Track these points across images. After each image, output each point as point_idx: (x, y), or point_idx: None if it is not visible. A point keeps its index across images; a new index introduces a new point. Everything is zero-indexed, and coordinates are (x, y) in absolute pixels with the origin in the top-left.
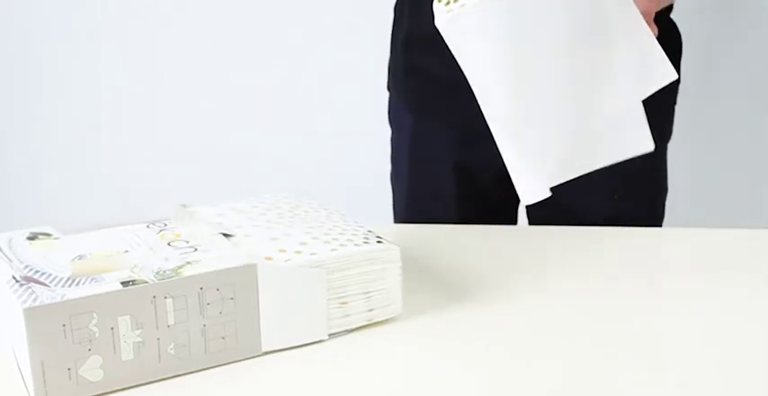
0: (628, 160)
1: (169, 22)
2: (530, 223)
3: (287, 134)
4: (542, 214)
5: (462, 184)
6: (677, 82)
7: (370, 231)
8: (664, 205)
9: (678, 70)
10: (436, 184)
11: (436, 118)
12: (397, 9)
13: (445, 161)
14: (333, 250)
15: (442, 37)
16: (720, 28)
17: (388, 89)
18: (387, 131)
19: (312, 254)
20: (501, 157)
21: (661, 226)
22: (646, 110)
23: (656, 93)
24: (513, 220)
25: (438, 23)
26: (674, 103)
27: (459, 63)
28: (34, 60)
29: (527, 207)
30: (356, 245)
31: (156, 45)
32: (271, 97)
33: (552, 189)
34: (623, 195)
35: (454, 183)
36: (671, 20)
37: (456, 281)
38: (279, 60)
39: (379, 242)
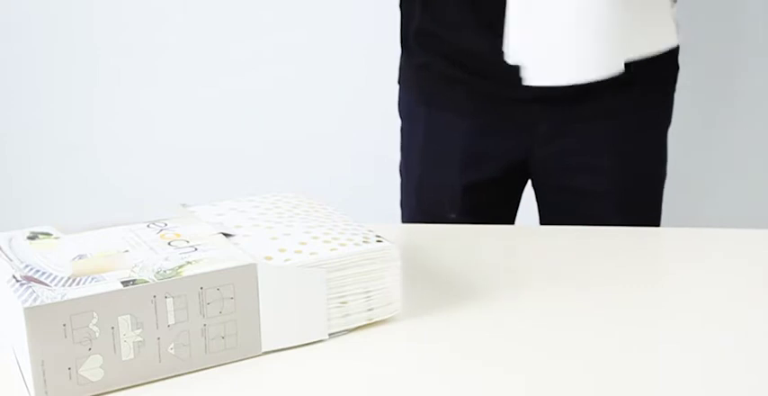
0: (629, 139)
1: (169, 20)
2: (537, 195)
3: (287, 133)
4: (549, 183)
5: (470, 172)
6: (676, 71)
7: (369, 231)
8: (662, 188)
9: (676, 62)
10: (445, 172)
11: (449, 110)
12: (403, 6)
13: (456, 150)
14: (332, 250)
15: (453, 33)
16: (720, 25)
17: (399, 83)
18: (388, 130)
19: (312, 253)
20: (511, 148)
21: (660, 210)
22: (647, 96)
23: (657, 77)
24: (513, 212)
25: None
26: (674, 90)
27: None
28: (34, 60)
29: (535, 185)
30: (356, 244)
31: (156, 44)
32: (271, 95)
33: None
34: (625, 172)
35: (462, 171)
36: None
37: (457, 280)
38: (278, 58)
39: (378, 241)
